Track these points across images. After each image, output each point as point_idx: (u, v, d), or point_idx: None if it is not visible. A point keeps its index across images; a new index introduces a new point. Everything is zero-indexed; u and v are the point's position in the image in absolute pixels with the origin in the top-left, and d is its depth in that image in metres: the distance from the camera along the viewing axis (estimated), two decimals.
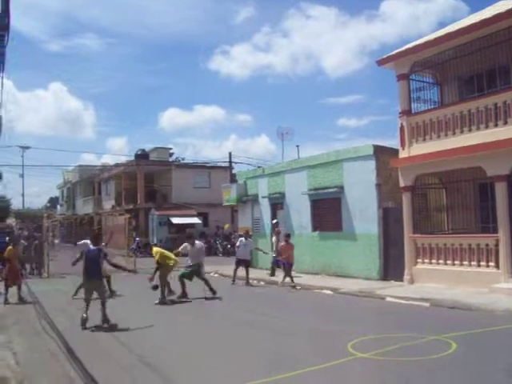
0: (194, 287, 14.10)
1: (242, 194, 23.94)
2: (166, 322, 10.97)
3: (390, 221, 16.39)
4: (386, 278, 16.24)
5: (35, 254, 22.65)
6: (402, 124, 15.42)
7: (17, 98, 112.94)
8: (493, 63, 13.83)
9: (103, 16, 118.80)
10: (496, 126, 13.05)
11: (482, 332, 8.76)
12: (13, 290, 14.29)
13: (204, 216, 37.78)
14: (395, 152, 15.88)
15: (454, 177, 15.01)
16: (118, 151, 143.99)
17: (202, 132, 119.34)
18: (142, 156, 41.22)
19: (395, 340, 8.19)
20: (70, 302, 12.71)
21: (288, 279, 16.21)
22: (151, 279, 13.27)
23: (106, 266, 12.70)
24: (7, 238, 23.26)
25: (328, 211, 18.86)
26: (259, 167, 27.78)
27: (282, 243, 17.10)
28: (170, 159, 45.83)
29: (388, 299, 13.01)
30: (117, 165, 44.00)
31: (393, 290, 13.98)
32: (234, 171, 36.45)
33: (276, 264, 18.18)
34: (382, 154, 16.60)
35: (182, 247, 14.55)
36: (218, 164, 40.75)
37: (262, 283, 17.92)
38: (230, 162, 38.33)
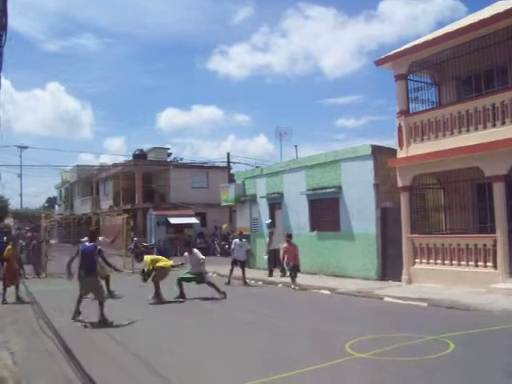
0: (192, 288, 14.10)
1: (240, 194, 23.93)
2: (164, 323, 10.97)
3: (388, 221, 16.41)
4: (384, 278, 16.25)
5: (33, 254, 22.65)
6: (400, 124, 15.43)
7: (14, 97, 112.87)
8: (491, 63, 13.86)
9: (101, 16, 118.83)
10: (494, 126, 13.06)
11: (480, 332, 8.76)
12: (11, 289, 14.28)
13: (202, 216, 37.74)
14: (393, 152, 15.91)
15: (451, 177, 15.01)
16: (115, 151, 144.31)
17: (200, 132, 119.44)
18: (140, 156, 41.17)
19: (393, 340, 8.19)
20: (67, 302, 12.63)
21: (297, 281, 15.94)
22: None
23: (105, 266, 12.83)
24: (5, 238, 23.25)
25: (326, 211, 18.87)
26: (257, 167, 27.77)
27: (285, 245, 16.76)
28: (168, 159, 45.82)
29: (386, 299, 13.01)
30: (115, 165, 43.94)
31: (391, 290, 14.00)
32: (232, 171, 36.41)
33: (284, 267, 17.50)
34: (380, 154, 16.62)
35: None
36: (216, 164, 40.71)
37: (260, 283, 17.93)
38: (228, 162, 38.28)
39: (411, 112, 15.45)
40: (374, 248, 16.68)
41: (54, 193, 71.44)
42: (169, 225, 35.33)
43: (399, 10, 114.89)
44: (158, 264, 13.64)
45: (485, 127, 13.25)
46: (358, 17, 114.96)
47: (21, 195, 77.76)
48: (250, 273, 20.15)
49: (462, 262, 13.78)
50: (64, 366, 7.19)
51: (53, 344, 8.70)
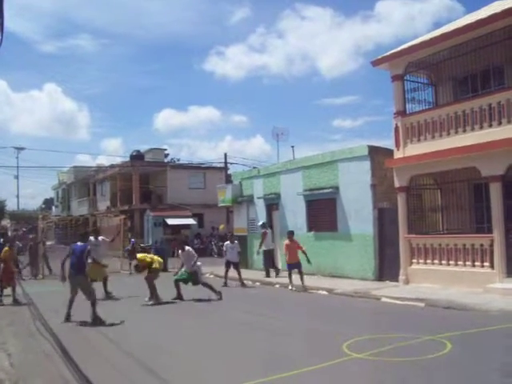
0: (190, 289, 14.09)
1: (238, 195, 23.93)
2: (161, 324, 10.97)
3: (385, 221, 16.42)
4: (382, 278, 16.26)
5: (30, 255, 22.62)
6: (396, 124, 15.44)
7: (11, 98, 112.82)
8: (487, 64, 13.87)
9: (97, 17, 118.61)
10: (490, 126, 13.07)
11: (477, 332, 8.77)
12: (7, 291, 14.27)
13: (199, 217, 37.75)
14: (390, 152, 15.90)
15: (448, 177, 15.03)
16: (112, 152, 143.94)
17: (197, 133, 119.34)
18: (137, 157, 41.14)
19: (390, 340, 8.20)
20: (64, 303, 12.59)
21: (305, 281, 15.68)
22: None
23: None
24: (1, 240, 23.19)
25: (323, 212, 18.88)
26: (254, 168, 27.78)
27: (286, 242, 16.46)
28: (165, 160, 45.82)
29: (383, 299, 13.02)
30: (112, 166, 43.89)
31: (388, 291, 14.00)
32: (229, 172, 36.41)
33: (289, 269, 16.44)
34: (377, 155, 16.63)
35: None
36: (214, 165, 40.77)
37: (258, 284, 17.93)
38: (226, 162, 38.31)
39: (408, 112, 15.45)
40: (371, 248, 16.69)
41: (51, 194, 71.32)
42: (166, 226, 35.33)
43: (396, 11, 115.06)
44: (152, 266, 13.63)
45: (481, 127, 13.26)
46: (354, 17, 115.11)
47: (17, 196, 77.82)
48: (247, 274, 20.17)
49: (459, 262, 13.79)
50: (61, 368, 7.18)
51: (50, 345, 8.68)
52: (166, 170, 39.81)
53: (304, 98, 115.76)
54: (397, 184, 15.49)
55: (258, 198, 22.53)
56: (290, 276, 16.01)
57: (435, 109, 15.19)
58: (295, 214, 20.17)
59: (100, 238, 15.29)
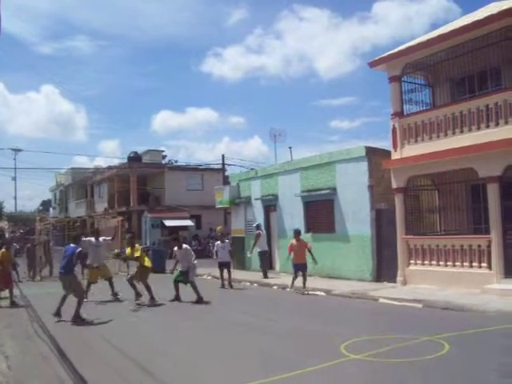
0: (188, 291, 14.07)
1: (235, 196, 23.93)
2: (159, 325, 10.98)
3: (382, 222, 16.43)
4: (379, 279, 16.27)
5: (27, 257, 22.58)
6: (394, 126, 15.46)
7: (8, 100, 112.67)
8: (484, 65, 13.91)
9: (94, 18, 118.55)
10: (488, 127, 13.10)
11: (475, 333, 8.78)
12: (4, 293, 14.25)
13: (197, 218, 37.74)
14: (387, 153, 15.93)
15: (446, 178, 15.05)
16: (110, 154, 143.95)
17: (194, 134, 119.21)
18: (135, 158, 41.11)
19: (388, 341, 8.21)
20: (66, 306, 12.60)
21: (307, 284, 15.15)
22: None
23: (110, 267, 13.31)
24: None
25: (321, 213, 18.89)
26: (252, 169, 27.79)
27: (292, 241, 15.78)
28: (163, 162, 45.79)
29: (381, 300, 13.03)
30: (109, 167, 43.83)
31: (386, 292, 14.01)
32: (226, 173, 36.39)
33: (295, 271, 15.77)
34: (375, 156, 16.65)
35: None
36: (211, 166, 40.69)
37: (255, 285, 17.92)
38: (223, 164, 38.27)
39: (405, 113, 15.48)
40: (368, 249, 16.70)
41: (49, 195, 71.26)
42: (164, 227, 35.33)
43: (393, 12, 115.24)
44: (143, 262, 13.91)
45: (478, 128, 13.29)
46: (351, 18, 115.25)
47: (15, 198, 78.09)
48: (244, 275, 20.22)
49: (457, 263, 13.81)
50: (58, 370, 7.17)
51: (47, 347, 8.67)
52: (164, 172, 39.82)
53: (301, 99, 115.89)
54: (394, 185, 15.50)
55: (256, 199, 22.53)
56: (294, 278, 15.43)
57: (432, 110, 15.21)
58: (293, 216, 20.18)
59: (101, 238, 15.31)
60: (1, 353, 8.37)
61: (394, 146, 15.49)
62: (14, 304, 13.97)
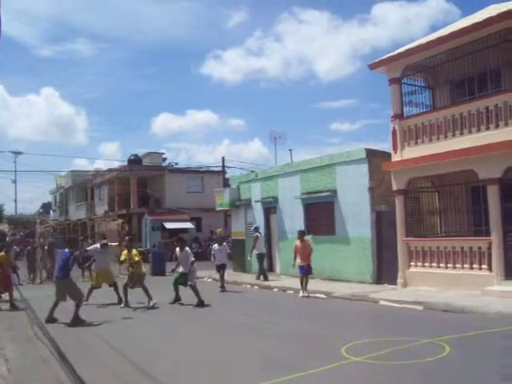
0: (189, 292, 14.06)
1: (235, 199, 23.92)
2: (159, 327, 10.98)
3: (383, 224, 16.42)
4: (380, 281, 16.25)
5: (27, 260, 22.57)
6: (394, 128, 15.47)
7: (8, 103, 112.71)
8: (484, 67, 13.90)
9: (95, 21, 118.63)
10: (488, 129, 13.10)
11: (475, 335, 8.77)
12: (5, 296, 14.25)
13: (197, 221, 37.71)
14: (388, 156, 15.92)
15: (446, 180, 15.04)
16: (110, 156, 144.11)
17: (194, 137, 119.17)
18: (135, 161, 41.13)
19: (389, 343, 8.20)
20: (62, 308, 12.61)
21: (307, 287, 14.95)
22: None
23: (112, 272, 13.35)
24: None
25: (321, 215, 18.88)
26: (252, 171, 27.78)
27: (297, 242, 15.57)
28: (163, 164, 45.77)
29: (381, 303, 13.02)
30: (109, 170, 43.81)
31: (386, 294, 13.99)
32: (226, 176, 36.39)
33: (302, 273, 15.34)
34: (375, 158, 16.64)
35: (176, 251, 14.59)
36: (211, 169, 40.69)
37: (256, 287, 17.91)
38: (223, 166, 38.26)
39: (405, 115, 15.49)
40: (369, 251, 16.69)
41: (49, 198, 71.24)
42: (164, 230, 35.32)
43: (392, 14, 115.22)
44: (138, 267, 13.96)
45: (478, 130, 13.29)
46: (351, 20, 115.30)
47: (15, 201, 78.08)
48: (245, 277, 20.21)
49: (457, 265, 13.80)
50: (58, 372, 7.17)
51: (47, 350, 8.67)
52: (164, 174, 39.79)
53: (301, 102, 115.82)
54: (394, 187, 15.50)
55: (256, 201, 22.52)
56: (301, 281, 15.02)
57: (432, 112, 15.21)
58: (293, 218, 20.17)
59: (105, 242, 15.27)
60: (1, 356, 8.36)
61: (394, 148, 15.50)
62: (14, 307, 13.98)
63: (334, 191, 18.03)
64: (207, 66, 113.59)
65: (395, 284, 15.30)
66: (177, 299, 13.88)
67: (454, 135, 13.90)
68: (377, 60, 16.03)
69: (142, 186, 40.53)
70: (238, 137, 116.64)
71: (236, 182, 24.92)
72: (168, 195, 38.79)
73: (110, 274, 14.94)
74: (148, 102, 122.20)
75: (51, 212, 67.67)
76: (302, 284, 15.05)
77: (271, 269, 21.37)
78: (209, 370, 7.27)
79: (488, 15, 13.06)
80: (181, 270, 14.06)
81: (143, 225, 37.17)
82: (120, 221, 26.34)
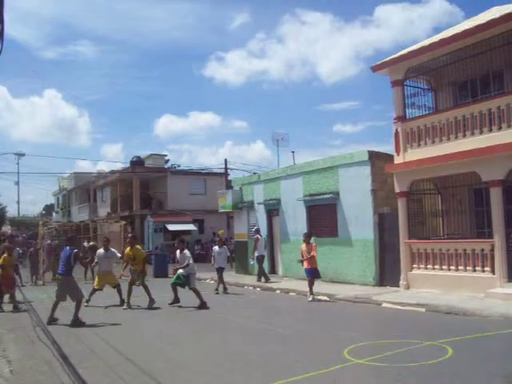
0: (189, 294, 14.06)
1: (238, 201, 23.94)
2: (161, 329, 10.95)
3: (385, 226, 16.41)
4: (382, 283, 16.24)
5: (30, 261, 22.60)
6: (396, 130, 15.46)
7: (11, 104, 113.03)
8: (487, 69, 13.89)
9: (98, 23, 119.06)
10: (490, 131, 13.09)
11: (478, 337, 8.76)
12: (7, 297, 14.25)
13: (200, 222, 37.78)
14: (390, 158, 15.91)
15: (449, 182, 15.03)
16: (113, 158, 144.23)
17: (197, 138, 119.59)
18: (138, 163, 41.17)
19: (391, 346, 8.19)
20: (64, 310, 12.63)
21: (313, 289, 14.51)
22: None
23: (117, 274, 14.35)
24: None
25: (323, 217, 18.87)
26: (255, 173, 27.79)
27: (302, 245, 14.99)
28: (166, 166, 45.83)
29: (384, 305, 13.00)
30: (112, 172, 43.91)
31: (389, 296, 13.97)
32: (229, 178, 36.43)
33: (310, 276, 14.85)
34: (377, 160, 16.63)
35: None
36: (214, 170, 40.78)
37: (258, 289, 17.90)
38: (226, 168, 38.31)
39: (408, 117, 15.48)
40: (371, 254, 16.67)
41: (52, 200, 71.35)
42: (166, 231, 35.36)
43: (395, 15, 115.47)
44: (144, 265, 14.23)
45: (481, 132, 13.28)
46: (354, 22, 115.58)
47: (18, 203, 77.65)
48: (247, 279, 20.21)
49: (460, 267, 13.78)
50: (61, 374, 7.16)
51: (50, 352, 8.65)
52: (167, 176, 39.84)
53: (304, 104, 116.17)
54: (397, 189, 15.49)
55: (259, 203, 22.53)
56: (310, 284, 14.52)
57: (435, 114, 15.20)
58: (295, 220, 20.17)
59: (112, 250, 15.26)
60: (4, 357, 8.36)
61: (397, 150, 15.49)
62: (16, 308, 13.98)
63: (337, 193, 18.02)
64: (210, 67, 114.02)
65: (398, 286, 15.29)
66: (176, 301, 13.84)
67: (456, 137, 13.89)
68: (379, 62, 16.03)
69: (144, 187, 40.60)
70: (241, 139, 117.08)
71: (239, 183, 24.93)
72: (170, 197, 38.86)
73: (113, 276, 14.95)
74: (151, 103, 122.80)
75: (54, 214, 67.78)
76: (310, 287, 14.48)
77: (273, 271, 21.39)
78: (211, 372, 7.25)
79: (491, 17, 13.05)
80: (180, 271, 14.06)
81: (146, 226, 37.22)
82: (123, 222, 26.28)
